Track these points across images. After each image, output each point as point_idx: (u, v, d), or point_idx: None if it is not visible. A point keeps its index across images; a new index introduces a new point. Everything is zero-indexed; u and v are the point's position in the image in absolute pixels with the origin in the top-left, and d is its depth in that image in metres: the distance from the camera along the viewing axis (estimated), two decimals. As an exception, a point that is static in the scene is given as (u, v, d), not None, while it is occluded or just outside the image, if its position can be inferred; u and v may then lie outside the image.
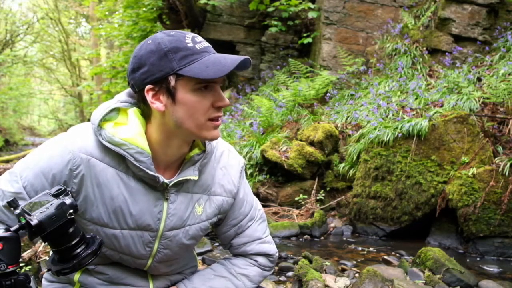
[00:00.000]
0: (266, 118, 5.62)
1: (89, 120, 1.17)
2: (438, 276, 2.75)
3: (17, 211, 0.93)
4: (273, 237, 3.95)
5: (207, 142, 1.22)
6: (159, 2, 8.10)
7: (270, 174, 4.77)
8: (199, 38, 1.11)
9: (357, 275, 2.89)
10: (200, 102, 1.09)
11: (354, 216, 4.18)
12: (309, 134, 4.82)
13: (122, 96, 1.19)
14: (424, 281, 2.70)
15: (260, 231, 1.40)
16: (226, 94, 7.80)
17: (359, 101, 5.29)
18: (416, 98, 4.58)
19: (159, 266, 1.29)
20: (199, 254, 3.28)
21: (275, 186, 4.73)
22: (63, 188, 1.00)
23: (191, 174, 1.19)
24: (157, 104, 1.09)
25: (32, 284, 0.96)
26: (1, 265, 0.89)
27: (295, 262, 3.13)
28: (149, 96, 1.09)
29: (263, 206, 4.47)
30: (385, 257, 3.40)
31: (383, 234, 4.05)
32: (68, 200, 0.97)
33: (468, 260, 3.46)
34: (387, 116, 4.39)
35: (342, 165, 4.51)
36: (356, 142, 4.41)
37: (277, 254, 1.44)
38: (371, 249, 3.67)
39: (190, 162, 1.20)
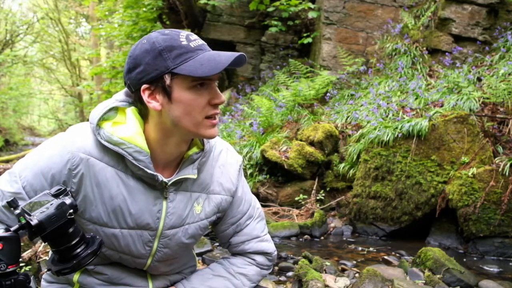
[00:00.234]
0: (266, 118, 5.62)
1: (88, 120, 1.17)
2: (438, 276, 2.75)
3: (17, 211, 0.93)
4: (273, 237, 3.95)
5: (205, 140, 1.22)
6: (159, 2, 8.10)
7: (270, 174, 4.77)
8: (193, 36, 1.11)
9: (357, 275, 2.89)
10: (196, 100, 1.09)
11: (354, 216, 4.18)
12: (309, 134, 4.82)
13: (120, 96, 1.19)
14: (424, 281, 2.70)
15: (258, 229, 1.40)
16: (226, 94, 7.80)
17: (359, 101, 5.29)
18: (416, 98, 4.58)
19: (158, 266, 1.29)
20: (199, 254, 3.28)
21: (275, 186, 4.73)
22: (63, 188, 1.00)
23: (189, 172, 1.19)
24: (154, 103, 1.09)
25: (32, 284, 0.96)
26: (1, 265, 0.89)
27: (295, 262, 3.13)
28: (145, 96, 1.09)
29: (263, 206, 4.48)
30: (385, 257, 3.40)
31: (383, 234, 4.05)
32: (68, 200, 0.97)
33: (468, 260, 3.46)
34: (387, 116, 4.39)
35: (342, 165, 4.51)
36: (356, 142, 4.41)
37: (276, 253, 1.44)
38: (371, 249, 3.67)
39: (188, 161, 1.20)
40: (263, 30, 7.81)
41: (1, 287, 0.90)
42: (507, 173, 3.47)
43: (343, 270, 3.02)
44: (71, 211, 0.96)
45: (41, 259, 2.64)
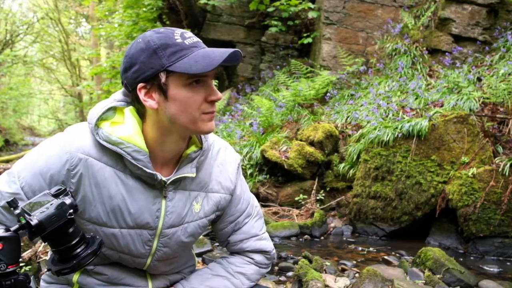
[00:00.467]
0: (266, 118, 5.62)
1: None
2: (438, 276, 2.75)
3: (17, 211, 0.93)
4: (273, 237, 3.96)
5: (203, 139, 1.22)
6: (159, 2, 8.10)
7: (270, 174, 4.77)
8: (188, 34, 1.11)
9: (357, 275, 2.89)
10: (192, 97, 1.09)
11: (354, 216, 4.18)
12: (309, 134, 4.82)
13: (118, 95, 1.19)
14: (424, 281, 2.70)
15: (257, 227, 1.40)
16: (226, 94, 7.81)
17: (359, 101, 5.29)
18: (416, 98, 4.58)
19: (158, 265, 1.29)
20: (199, 254, 3.28)
21: (275, 186, 4.73)
22: (63, 188, 1.00)
23: (188, 171, 1.19)
24: (150, 101, 1.10)
25: (32, 284, 0.96)
26: (1, 265, 0.89)
27: (295, 262, 3.13)
28: (141, 94, 1.09)
29: (263, 206, 4.48)
30: (385, 257, 3.40)
31: (383, 234, 4.04)
32: (68, 200, 0.97)
33: (468, 260, 3.46)
34: (387, 116, 4.39)
35: (342, 165, 4.51)
36: (356, 142, 4.41)
37: (274, 251, 1.45)
38: (371, 249, 3.67)
39: (187, 159, 1.20)
40: (263, 30, 7.81)
41: (1, 287, 0.90)
42: (507, 173, 3.47)
43: (343, 270, 3.02)
44: (71, 211, 0.96)
45: (41, 259, 2.64)
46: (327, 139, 4.73)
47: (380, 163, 3.99)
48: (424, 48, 5.80)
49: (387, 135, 3.96)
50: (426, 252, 2.95)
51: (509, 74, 4.45)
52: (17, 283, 0.92)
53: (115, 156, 1.13)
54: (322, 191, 4.61)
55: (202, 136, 1.22)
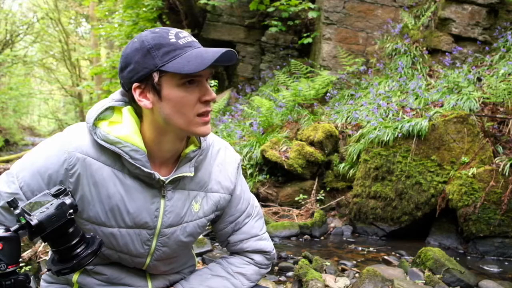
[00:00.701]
0: (266, 118, 5.62)
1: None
2: (438, 276, 2.75)
3: (17, 211, 0.93)
4: (273, 237, 3.96)
5: (202, 138, 1.22)
6: (159, 2, 8.10)
7: (270, 174, 4.77)
8: (183, 34, 1.11)
9: (357, 275, 2.89)
10: (186, 97, 1.08)
11: (354, 216, 4.18)
12: (309, 134, 4.82)
13: (116, 95, 1.20)
14: (424, 281, 2.70)
15: (257, 228, 1.40)
16: (226, 94, 7.81)
17: (359, 101, 5.29)
18: (416, 98, 4.58)
19: (158, 265, 1.29)
20: (199, 254, 3.28)
21: (275, 186, 4.73)
22: (63, 188, 1.00)
23: (187, 170, 1.19)
24: (145, 101, 1.10)
25: (32, 284, 0.96)
26: (1, 265, 0.89)
27: (295, 262, 3.13)
28: (136, 94, 1.10)
29: (263, 206, 4.48)
30: (385, 257, 3.40)
31: (383, 234, 4.05)
32: (68, 200, 0.97)
33: (468, 260, 3.46)
34: (387, 116, 4.39)
35: (342, 165, 4.51)
36: (356, 142, 4.41)
37: (274, 251, 1.44)
38: (371, 249, 3.67)
39: (186, 159, 1.20)
40: (263, 30, 7.81)
41: (1, 287, 0.90)
42: (507, 173, 3.47)
43: (343, 270, 3.02)
44: (71, 211, 0.96)
45: (41, 259, 2.64)
46: (327, 139, 4.73)
47: (380, 163, 3.99)
48: (424, 48, 5.80)
49: (387, 135, 3.96)
50: (426, 252, 2.95)
51: (509, 74, 4.45)
52: (17, 283, 0.92)
53: (113, 155, 1.13)
54: (322, 191, 4.61)
55: None
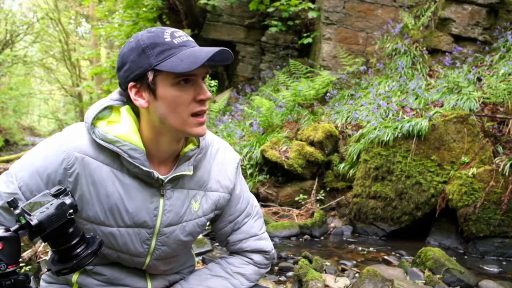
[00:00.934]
0: (266, 118, 5.62)
1: None
2: (438, 276, 2.75)
3: (17, 211, 0.93)
4: (273, 237, 3.96)
5: (201, 137, 1.22)
6: (159, 2, 8.10)
7: (270, 174, 4.77)
8: (178, 33, 1.11)
9: (357, 275, 2.89)
10: (181, 96, 1.08)
11: (354, 216, 4.18)
12: (309, 134, 4.82)
13: (115, 95, 1.20)
14: (424, 281, 2.70)
15: (256, 227, 1.40)
16: (226, 94, 7.81)
17: (359, 101, 5.29)
18: (416, 98, 4.58)
19: (157, 264, 1.29)
20: (199, 254, 3.28)
21: (275, 186, 4.73)
22: (63, 188, 1.01)
23: (185, 169, 1.19)
24: (140, 100, 1.10)
25: (32, 284, 0.96)
26: (1, 265, 0.89)
27: (295, 262, 3.13)
28: (132, 94, 1.10)
29: (263, 206, 4.48)
30: (385, 257, 3.40)
31: (383, 234, 4.04)
32: (68, 200, 0.97)
33: (468, 260, 3.46)
34: (387, 116, 4.39)
35: (342, 165, 4.51)
36: (356, 142, 4.41)
37: (273, 251, 1.44)
38: (371, 249, 3.67)
39: (184, 158, 1.20)
40: (263, 30, 7.81)
41: (1, 287, 0.90)
42: (507, 173, 3.47)
43: (343, 270, 3.02)
44: (71, 211, 0.96)
45: (41, 259, 2.64)
46: (327, 139, 4.73)
47: (380, 163, 3.99)
48: (424, 48, 5.80)
49: (387, 135, 3.96)
50: (426, 252, 2.95)
51: (509, 74, 4.45)
52: (17, 283, 0.92)
53: (112, 154, 1.13)
54: (322, 191, 4.61)
55: None
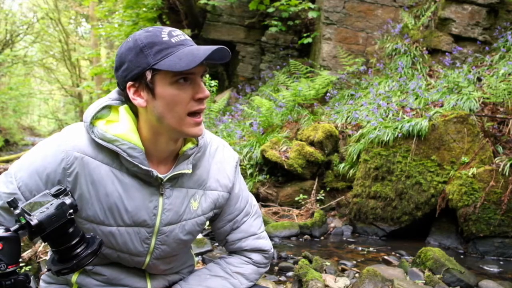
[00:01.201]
0: (266, 118, 5.62)
1: None
2: (438, 276, 2.75)
3: (17, 211, 0.93)
4: (273, 237, 3.96)
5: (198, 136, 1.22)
6: (159, 2, 8.10)
7: (270, 174, 4.77)
8: (176, 32, 1.11)
9: (357, 275, 2.89)
10: (179, 95, 1.09)
11: (354, 216, 4.18)
12: (309, 134, 4.82)
13: (113, 94, 1.20)
14: (424, 281, 2.70)
15: (255, 226, 1.40)
16: (226, 94, 7.81)
17: (359, 101, 5.29)
18: (416, 98, 4.58)
19: (157, 264, 1.29)
20: (199, 254, 3.28)
21: (275, 186, 4.73)
22: (63, 188, 1.01)
23: (184, 168, 1.19)
24: (139, 100, 1.10)
25: (32, 284, 0.96)
26: (1, 265, 0.89)
27: (295, 262, 3.13)
28: (130, 93, 1.10)
29: (263, 206, 4.48)
30: (385, 257, 3.40)
31: (383, 234, 4.04)
32: (68, 200, 0.97)
33: (468, 260, 3.46)
34: (387, 116, 4.39)
35: (342, 165, 4.51)
36: (356, 142, 4.41)
37: (273, 250, 1.44)
38: (371, 249, 3.67)
39: (183, 156, 1.20)
40: (263, 30, 7.81)
41: (1, 287, 0.90)
42: (507, 173, 3.47)
43: (343, 270, 3.02)
44: (71, 211, 0.97)
45: (41, 259, 2.64)
46: (327, 139, 4.73)
47: (380, 163, 3.99)
48: (424, 48, 5.80)
49: (387, 135, 3.96)
50: (426, 252, 2.95)
51: (509, 74, 4.46)
52: (17, 283, 0.92)
53: (111, 154, 1.13)
54: (322, 191, 4.61)
55: None
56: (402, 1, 6.67)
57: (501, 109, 4.13)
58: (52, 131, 26.47)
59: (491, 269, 3.22)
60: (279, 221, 4.24)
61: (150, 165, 1.16)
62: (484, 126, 3.92)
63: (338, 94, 5.90)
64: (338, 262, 3.23)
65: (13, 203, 0.94)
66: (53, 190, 1.00)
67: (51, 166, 1.10)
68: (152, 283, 1.32)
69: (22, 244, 1.07)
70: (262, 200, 4.57)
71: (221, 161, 1.31)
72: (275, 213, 4.46)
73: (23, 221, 0.92)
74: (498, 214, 3.45)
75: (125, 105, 1.17)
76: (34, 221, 0.90)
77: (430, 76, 5.49)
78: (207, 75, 6.57)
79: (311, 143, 4.76)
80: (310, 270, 2.58)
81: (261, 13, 7.73)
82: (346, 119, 4.99)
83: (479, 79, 4.72)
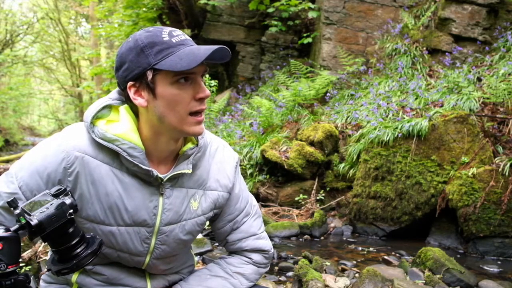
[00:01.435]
0: (266, 118, 5.62)
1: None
2: (438, 276, 2.75)
3: (17, 211, 0.93)
4: (273, 237, 3.96)
5: (199, 136, 1.22)
6: (159, 2, 8.10)
7: (270, 174, 4.77)
8: (176, 32, 1.11)
9: (357, 275, 2.89)
10: (180, 94, 1.09)
11: (354, 216, 4.18)
12: (309, 134, 4.82)
13: (114, 94, 1.20)
14: (424, 281, 2.70)
15: (255, 226, 1.40)
16: (226, 94, 7.81)
17: (359, 101, 5.29)
18: (416, 98, 4.58)
19: (157, 264, 1.29)
20: (199, 254, 3.28)
21: (275, 186, 4.73)
22: (63, 188, 1.01)
23: (184, 168, 1.19)
24: (139, 100, 1.10)
25: (32, 284, 0.96)
26: (1, 265, 0.89)
27: (295, 262, 3.13)
28: (131, 93, 1.11)
29: (263, 206, 4.48)
30: (385, 257, 3.40)
31: (383, 234, 4.05)
32: (68, 200, 0.97)
33: (468, 260, 3.46)
34: (387, 116, 4.39)
35: (342, 165, 4.51)
36: (356, 142, 4.41)
37: (273, 250, 1.44)
38: (371, 249, 3.67)
39: (183, 156, 1.20)
40: (263, 30, 7.81)
41: (1, 287, 0.90)
42: (507, 173, 3.47)
43: (343, 270, 3.02)
44: (71, 211, 0.97)
45: (41, 259, 2.64)
46: (327, 139, 4.73)
47: (380, 163, 3.99)
48: (424, 48, 5.80)
49: (387, 135, 3.96)
50: (426, 252, 2.95)
51: (509, 74, 4.46)
52: (17, 283, 0.92)
53: (111, 153, 1.13)
54: (322, 191, 4.61)
55: None
56: (402, 1, 6.67)
57: (501, 109, 4.13)
58: (52, 131, 26.47)
59: (491, 269, 3.23)
60: (279, 221, 4.24)
61: (150, 165, 1.16)
62: (484, 126, 3.92)
63: (338, 94, 5.90)
64: (338, 262, 3.23)
65: (13, 203, 0.94)
66: (53, 190, 1.00)
67: (51, 165, 1.10)
68: (152, 283, 1.32)
69: (22, 244, 1.07)
70: (262, 200, 4.57)
71: (221, 161, 1.31)
72: (275, 213, 4.46)
73: (23, 221, 0.92)
74: (498, 214, 3.45)
75: (126, 105, 1.17)
76: (34, 221, 0.90)
77: (430, 76, 5.49)
78: (207, 75, 6.58)
79: (311, 143, 4.76)
80: (310, 270, 2.58)
81: (261, 13, 7.73)
82: (346, 119, 4.99)
83: (479, 79, 4.72)
